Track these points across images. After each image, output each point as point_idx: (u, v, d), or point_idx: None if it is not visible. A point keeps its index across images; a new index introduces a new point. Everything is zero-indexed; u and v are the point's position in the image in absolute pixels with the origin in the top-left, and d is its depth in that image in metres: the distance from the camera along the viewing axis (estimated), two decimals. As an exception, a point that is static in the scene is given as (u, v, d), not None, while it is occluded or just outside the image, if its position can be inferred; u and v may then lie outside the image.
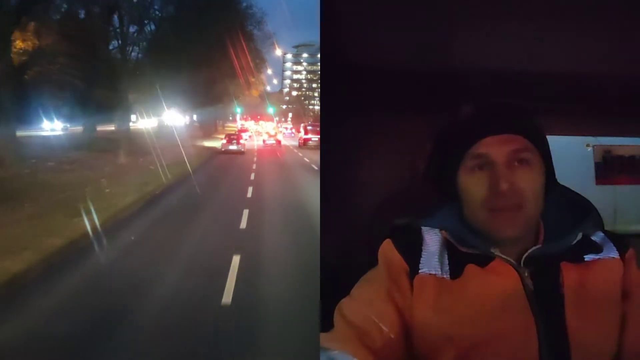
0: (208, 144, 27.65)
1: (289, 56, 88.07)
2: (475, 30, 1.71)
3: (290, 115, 73.20)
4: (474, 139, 1.40)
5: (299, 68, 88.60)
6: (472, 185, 1.39)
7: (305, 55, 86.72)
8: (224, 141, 24.44)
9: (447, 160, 1.47)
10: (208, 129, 38.33)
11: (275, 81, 75.95)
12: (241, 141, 24.66)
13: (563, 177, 1.55)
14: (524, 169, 1.36)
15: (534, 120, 1.45)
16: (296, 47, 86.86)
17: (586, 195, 1.55)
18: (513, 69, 1.88)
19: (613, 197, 2.22)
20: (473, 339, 1.33)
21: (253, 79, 34.56)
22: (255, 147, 29.55)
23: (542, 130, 1.47)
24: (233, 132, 30.26)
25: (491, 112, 1.45)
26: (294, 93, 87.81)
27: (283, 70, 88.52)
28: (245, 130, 40.30)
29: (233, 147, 23.67)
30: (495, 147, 1.37)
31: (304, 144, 30.01)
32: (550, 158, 1.48)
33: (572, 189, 1.55)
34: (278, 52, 35.43)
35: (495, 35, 1.73)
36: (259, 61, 33.81)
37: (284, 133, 44.30)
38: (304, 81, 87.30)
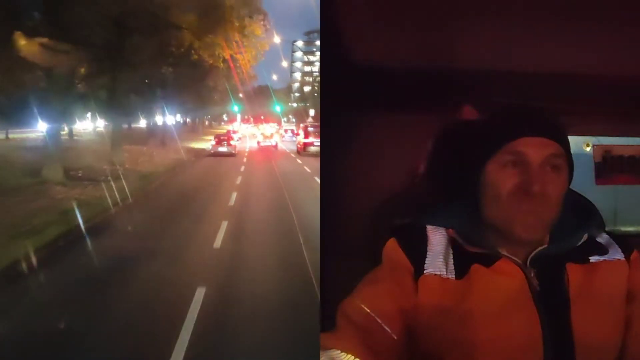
0: (195, 145, 25.55)
1: (300, 44, 73.97)
2: (475, 30, 1.71)
3: (312, 112, 57.43)
4: (514, 135, 1.39)
5: (312, 58, 74.41)
6: (501, 180, 1.38)
7: (318, 42, 69.86)
8: (214, 142, 23.31)
9: (477, 152, 1.46)
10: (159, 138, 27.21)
11: (284, 63, 61.62)
12: (232, 142, 23.61)
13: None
14: (554, 175, 1.37)
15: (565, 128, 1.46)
16: (307, 33, 71.70)
17: (586, 195, 1.56)
18: (513, 69, 1.88)
19: (613, 197, 2.22)
20: (477, 339, 1.34)
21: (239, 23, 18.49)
22: (247, 150, 26.22)
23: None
24: (223, 133, 28.44)
25: (534, 113, 1.45)
26: (306, 88, 68.04)
27: (292, 62, 74.20)
28: (235, 132, 36.85)
29: (223, 148, 22.52)
30: (534, 148, 1.37)
31: (304, 149, 23.42)
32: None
33: (573, 190, 1.56)
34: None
35: (495, 35, 1.74)
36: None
37: (282, 135, 38.31)
38: (316, 74, 67.10)
